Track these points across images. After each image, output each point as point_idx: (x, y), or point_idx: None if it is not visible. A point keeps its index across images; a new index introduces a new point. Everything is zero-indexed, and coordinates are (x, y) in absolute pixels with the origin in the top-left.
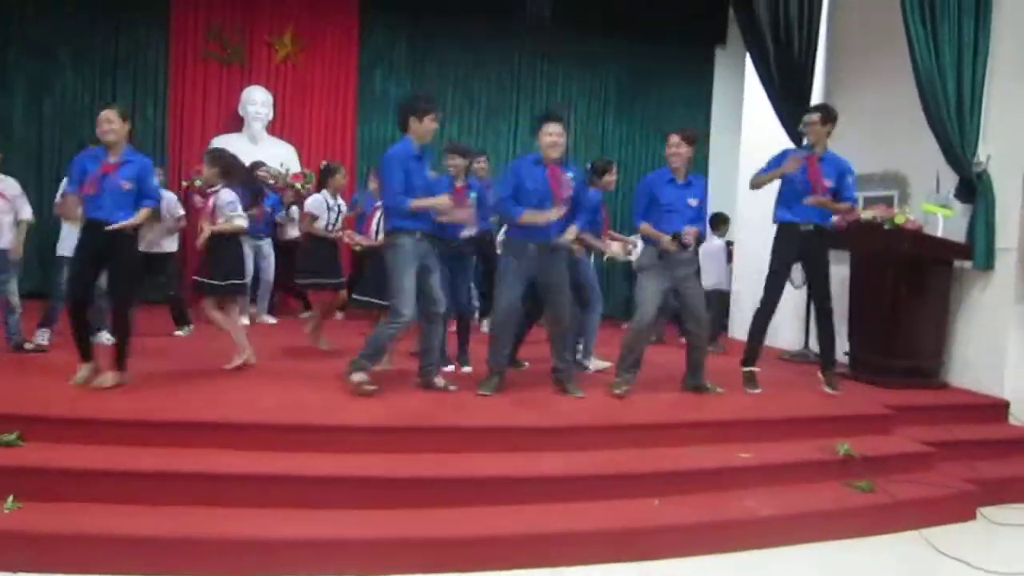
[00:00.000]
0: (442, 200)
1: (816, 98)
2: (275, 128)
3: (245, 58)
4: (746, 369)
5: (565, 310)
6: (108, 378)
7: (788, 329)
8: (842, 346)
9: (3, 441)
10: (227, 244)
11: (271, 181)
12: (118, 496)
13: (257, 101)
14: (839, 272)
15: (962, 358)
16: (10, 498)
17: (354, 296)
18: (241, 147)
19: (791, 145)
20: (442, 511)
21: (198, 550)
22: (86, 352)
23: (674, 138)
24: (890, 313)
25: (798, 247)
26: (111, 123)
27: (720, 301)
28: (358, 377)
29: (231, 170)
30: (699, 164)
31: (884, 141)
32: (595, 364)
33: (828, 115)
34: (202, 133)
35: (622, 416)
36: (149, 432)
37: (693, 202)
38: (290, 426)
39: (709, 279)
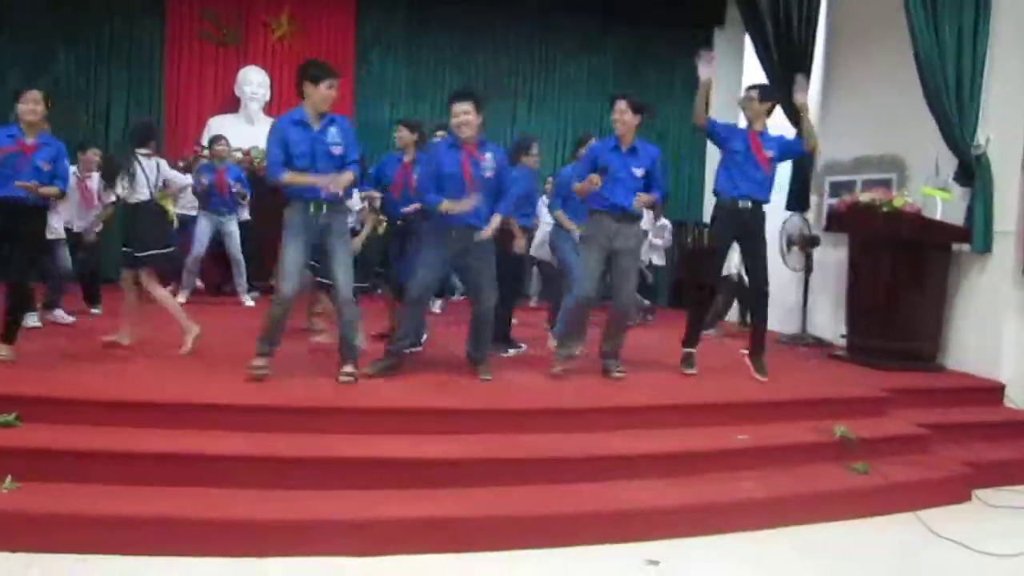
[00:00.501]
0: (320, 177)
1: (815, 80)
2: (272, 109)
3: (241, 39)
4: (687, 350)
5: (489, 296)
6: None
7: (784, 312)
8: (839, 329)
9: (1, 422)
10: (144, 214)
11: (235, 157)
12: (116, 477)
13: (253, 82)
14: (837, 255)
15: (959, 341)
16: (8, 478)
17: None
18: (238, 128)
19: (789, 126)
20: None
21: (194, 531)
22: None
23: (620, 104)
24: (888, 296)
25: (737, 225)
26: (38, 104)
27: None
28: (256, 361)
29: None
30: (697, 146)
31: (883, 124)
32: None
33: (766, 94)
34: (198, 115)
35: (616, 398)
36: (147, 413)
37: (638, 171)
38: (285, 408)
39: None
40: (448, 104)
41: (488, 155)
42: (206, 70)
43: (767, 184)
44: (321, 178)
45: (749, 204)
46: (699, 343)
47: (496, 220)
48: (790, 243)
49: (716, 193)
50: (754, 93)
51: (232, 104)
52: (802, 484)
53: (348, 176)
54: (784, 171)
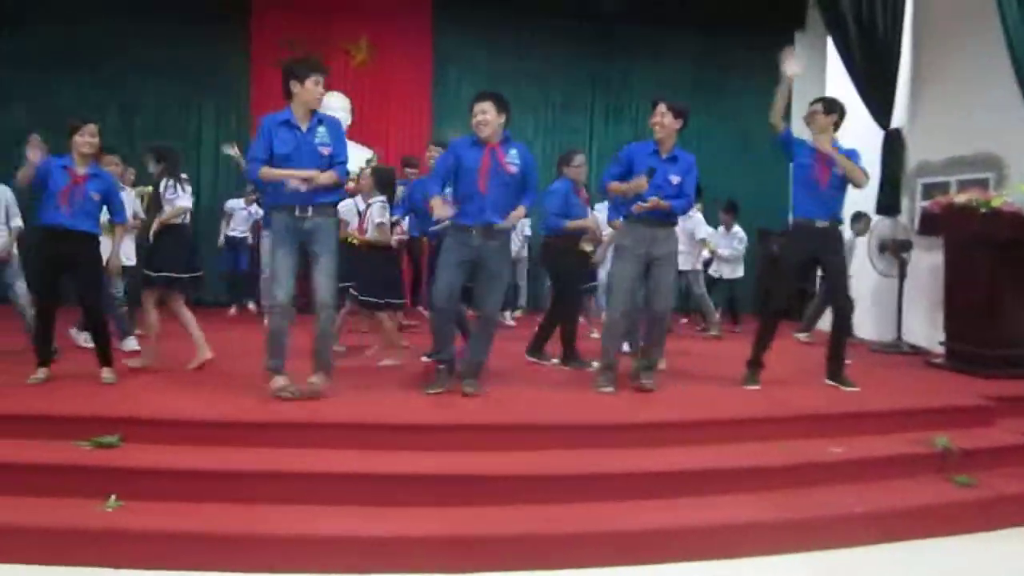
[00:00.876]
0: (302, 172)
1: (903, 81)
2: (354, 133)
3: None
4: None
5: (496, 301)
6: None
7: (877, 320)
8: (937, 336)
9: (105, 443)
10: (168, 235)
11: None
12: (215, 495)
13: (335, 107)
14: (932, 259)
15: None
16: (112, 497)
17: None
18: None
19: (878, 130)
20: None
21: (294, 548)
22: (48, 356)
23: (661, 107)
24: (988, 300)
25: (811, 247)
26: (94, 137)
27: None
28: (273, 384)
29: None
30: (780, 155)
31: (977, 122)
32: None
33: (832, 107)
34: None
35: (703, 412)
36: (243, 432)
37: (675, 179)
38: (373, 425)
39: None
40: (470, 105)
41: (512, 151)
42: None
43: (838, 201)
44: (296, 173)
45: (826, 224)
46: (762, 363)
47: (520, 212)
48: (882, 248)
49: (792, 215)
50: (818, 106)
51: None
52: (902, 498)
53: (328, 175)
54: (874, 174)
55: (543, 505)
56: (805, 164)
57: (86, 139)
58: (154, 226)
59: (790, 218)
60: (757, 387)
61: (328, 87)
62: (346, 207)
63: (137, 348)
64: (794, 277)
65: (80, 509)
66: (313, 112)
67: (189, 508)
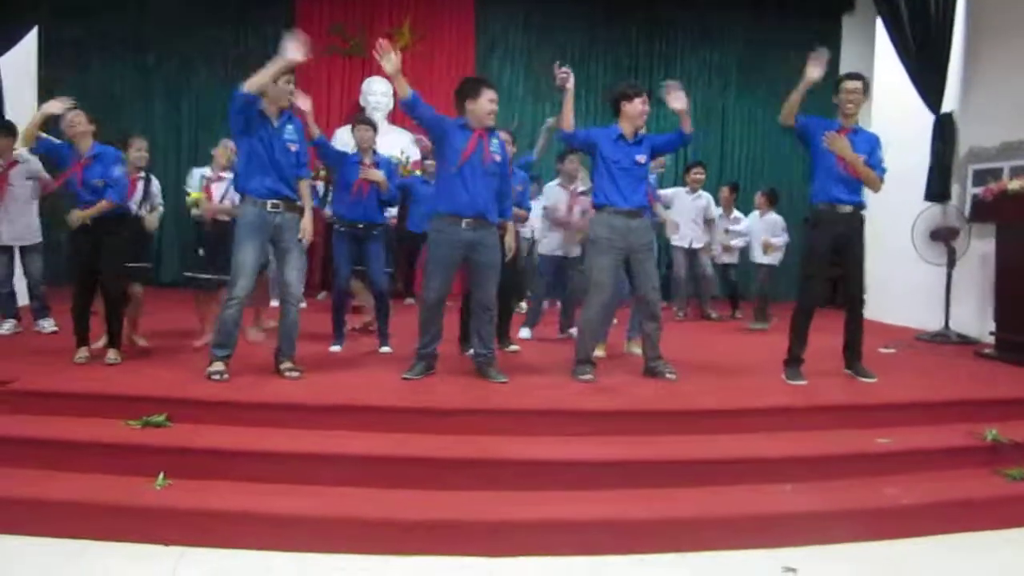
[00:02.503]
0: (285, 58)
1: (955, 64)
2: (396, 117)
3: (365, 50)
4: (791, 369)
5: (490, 291)
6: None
7: (924, 309)
8: (987, 326)
9: (153, 422)
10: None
11: None
12: (259, 475)
13: (377, 92)
14: (983, 246)
15: None
16: (160, 475)
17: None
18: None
19: (928, 114)
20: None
21: (330, 527)
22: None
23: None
24: None
25: (836, 232)
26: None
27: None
28: (211, 367)
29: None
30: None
31: None
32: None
33: (867, 85)
34: (327, 125)
35: (747, 400)
36: (283, 415)
37: (640, 159)
38: (419, 409)
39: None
40: (481, 89)
41: (495, 141)
42: (333, 82)
43: (860, 185)
44: (281, 58)
45: (849, 209)
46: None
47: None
48: (933, 236)
49: (812, 201)
50: (859, 84)
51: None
52: (951, 490)
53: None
54: (923, 159)
55: (584, 490)
56: (826, 152)
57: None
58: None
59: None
60: (804, 382)
61: (370, 72)
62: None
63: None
64: (826, 266)
65: (131, 487)
66: (283, 110)
67: (235, 487)
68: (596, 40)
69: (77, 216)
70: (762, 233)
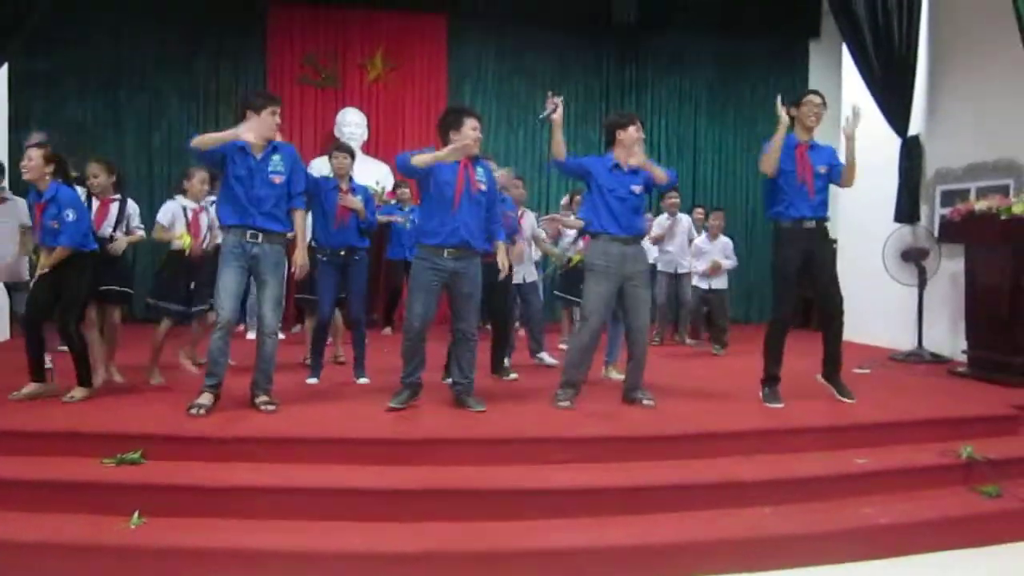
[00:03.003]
0: (233, 132)
1: (920, 87)
2: (370, 147)
3: (339, 81)
4: (768, 390)
5: (473, 319)
6: (78, 393)
7: (897, 328)
8: (959, 344)
9: (128, 459)
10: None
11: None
12: (237, 510)
13: (351, 122)
14: (953, 266)
15: None
16: (135, 514)
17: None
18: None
19: (895, 137)
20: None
21: (318, 563)
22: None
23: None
24: (1011, 307)
25: (803, 248)
26: (31, 160)
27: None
28: (199, 400)
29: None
30: None
31: (996, 128)
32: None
33: (825, 103)
34: (302, 155)
35: (725, 423)
36: (259, 449)
37: (637, 189)
38: (399, 440)
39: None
40: (463, 119)
41: (480, 169)
42: (307, 113)
43: (825, 201)
44: (235, 131)
45: (814, 223)
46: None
47: (520, 248)
48: (905, 257)
49: (775, 217)
50: (821, 99)
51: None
52: (928, 509)
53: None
54: (891, 182)
55: (564, 518)
56: (788, 169)
57: (24, 163)
58: (124, 244)
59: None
60: (781, 405)
61: (344, 102)
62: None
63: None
64: (795, 284)
65: (105, 526)
66: (269, 141)
67: (212, 523)
68: (567, 68)
69: (41, 264)
70: (714, 255)
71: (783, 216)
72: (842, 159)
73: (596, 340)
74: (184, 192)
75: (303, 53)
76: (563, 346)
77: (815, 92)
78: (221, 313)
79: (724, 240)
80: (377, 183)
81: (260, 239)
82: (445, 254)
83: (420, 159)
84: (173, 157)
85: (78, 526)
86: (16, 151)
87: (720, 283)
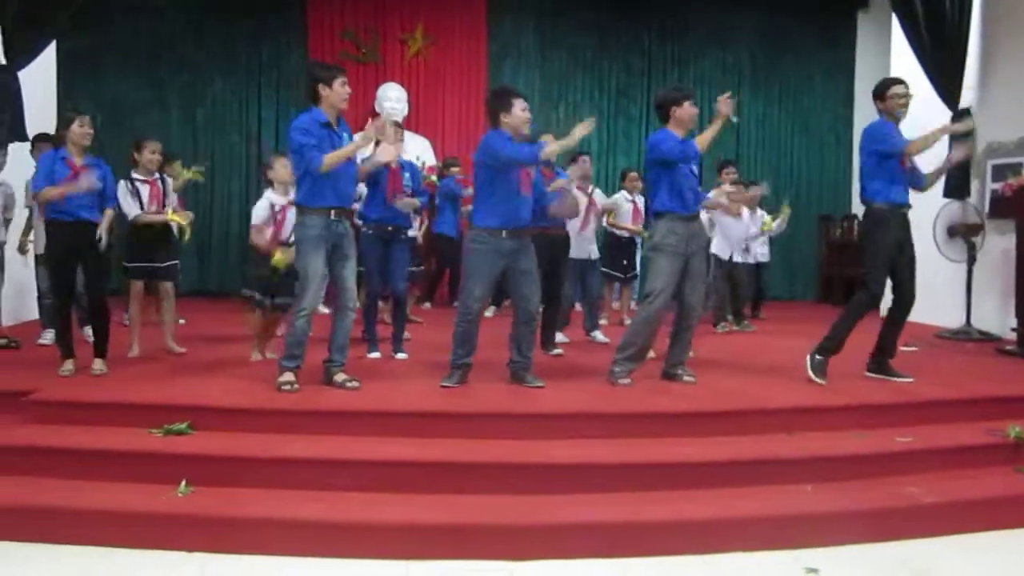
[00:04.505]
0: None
1: (972, 59)
2: (410, 123)
3: (379, 56)
4: (820, 358)
5: (535, 298)
6: (99, 366)
7: (947, 306)
8: (1008, 322)
9: (175, 430)
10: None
11: None
12: (281, 481)
13: (392, 97)
14: (1004, 242)
15: None
16: (183, 483)
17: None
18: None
19: (945, 112)
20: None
21: (350, 533)
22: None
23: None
24: None
25: (898, 233)
26: (91, 129)
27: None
28: (284, 378)
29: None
30: (843, 137)
31: None
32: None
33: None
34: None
35: (768, 400)
36: (301, 421)
37: (695, 168)
38: (436, 413)
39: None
40: (512, 100)
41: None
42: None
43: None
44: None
45: (907, 209)
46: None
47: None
48: (951, 232)
49: (873, 200)
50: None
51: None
52: (973, 489)
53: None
54: (941, 156)
55: (604, 493)
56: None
57: (85, 130)
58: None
59: (857, 202)
60: (824, 382)
61: (384, 77)
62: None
63: (49, 342)
64: (888, 264)
65: (153, 494)
66: (340, 113)
67: (257, 493)
68: (607, 43)
69: (102, 230)
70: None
71: (880, 197)
72: None
73: (663, 316)
74: (271, 184)
75: (343, 28)
76: (603, 322)
77: (900, 81)
78: (305, 301)
79: (760, 213)
80: (418, 158)
81: (342, 216)
82: (504, 235)
83: (553, 151)
84: (216, 133)
85: (128, 494)
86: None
87: (740, 257)
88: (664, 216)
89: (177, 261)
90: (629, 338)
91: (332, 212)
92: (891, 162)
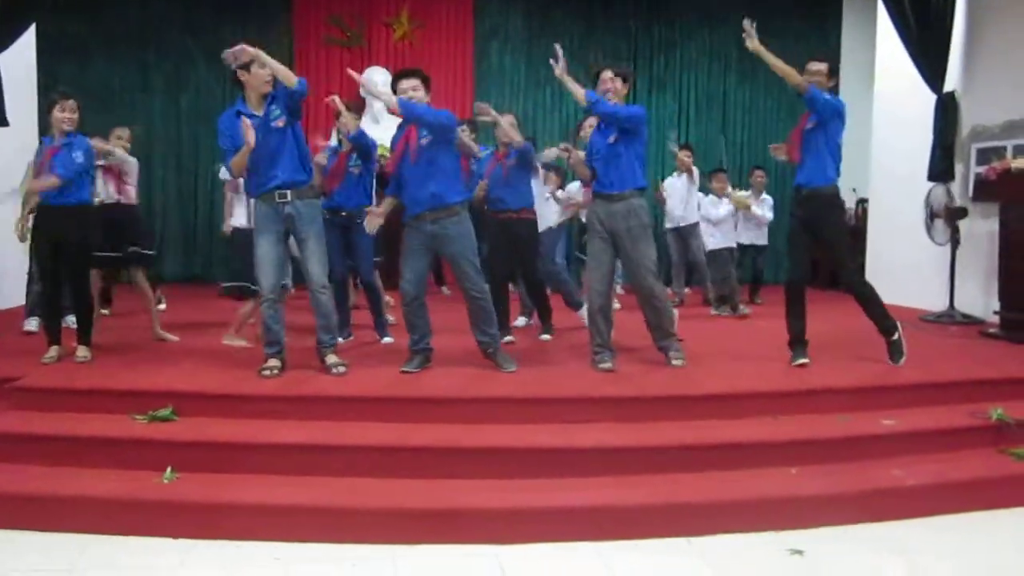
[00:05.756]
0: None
1: (957, 42)
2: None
3: (364, 40)
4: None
5: (475, 281)
6: (83, 353)
7: (929, 289)
8: (991, 305)
9: (160, 416)
10: None
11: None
12: (266, 467)
13: (378, 82)
14: (987, 226)
15: None
16: (168, 469)
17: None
18: (364, 127)
19: (930, 94)
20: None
21: (336, 518)
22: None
23: (607, 72)
24: None
25: None
26: (75, 113)
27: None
28: (266, 363)
29: None
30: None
31: None
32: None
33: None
34: (327, 117)
35: (753, 384)
36: (287, 406)
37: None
38: (425, 399)
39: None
40: (394, 82)
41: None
42: (333, 73)
43: None
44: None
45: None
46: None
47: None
48: (934, 216)
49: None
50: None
51: (359, 105)
52: (957, 471)
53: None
54: (925, 139)
55: (590, 476)
56: (840, 135)
57: (65, 115)
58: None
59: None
60: (806, 360)
61: (370, 62)
62: None
63: (34, 329)
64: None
65: (138, 481)
66: (264, 96)
67: (242, 479)
68: (595, 27)
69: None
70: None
71: (834, 181)
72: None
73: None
74: None
75: (328, 13)
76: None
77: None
78: (262, 285)
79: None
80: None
81: (289, 197)
82: (427, 215)
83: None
84: (201, 119)
85: (112, 481)
86: (46, 115)
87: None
88: (643, 194)
89: (135, 247)
90: (667, 317)
91: (276, 195)
92: (838, 143)
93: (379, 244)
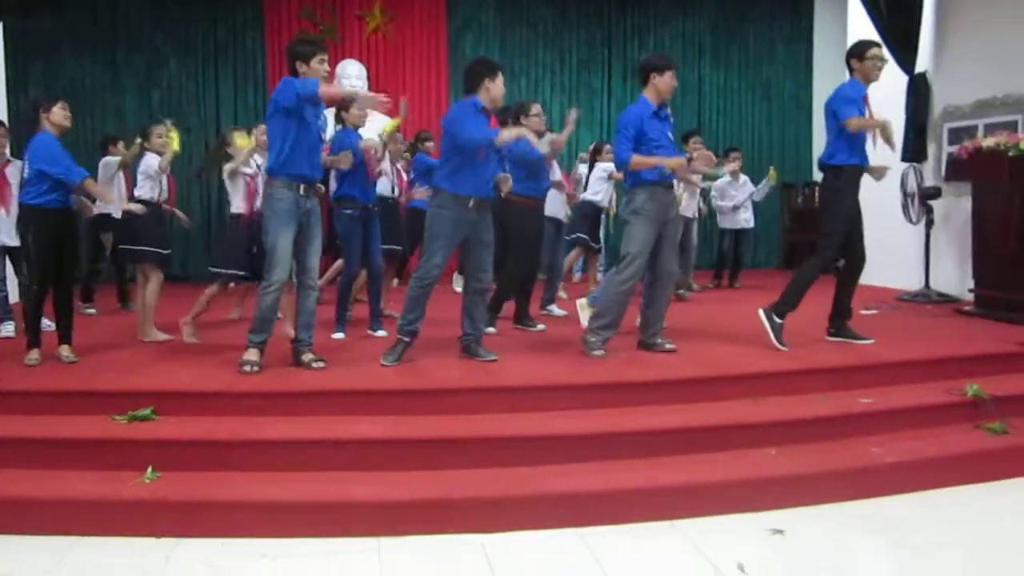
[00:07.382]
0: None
1: (927, 23)
2: None
3: (337, 34)
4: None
5: (489, 271)
6: (67, 353)
7: (906, 268)
8: (966, 283)
9: (140, 416)
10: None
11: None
12: (248, 463)
13: (351, 75)
14: (961, 205)
15: None
16: (149, 469)
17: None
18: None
19: (902, 75)
20: (562, 467)
21: (319, 512)
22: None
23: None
24: (1019, 245)
25: (856, 194)
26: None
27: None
28: (247, 356)
29: None
30: (803, 105)
31: (1004, 64)
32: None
33: None
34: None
35: (733, 367)
36: (268, 403)
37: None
38: (408, 391)
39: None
40: (498, 72)
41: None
42: None
43: None
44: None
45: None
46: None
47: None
48: (909, 195)
49: (838, 163)
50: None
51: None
52: (934, 447)
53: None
54: (898, 120)
55: (572, 463)
56: (861, 111)
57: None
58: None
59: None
60: (785, 348)
61: (343, 55)
62: None
63: (11, 334)
64: (848, 226)
65: (119, 481)
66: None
67: (225, 476)
68: (568, 15)
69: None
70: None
71: (845, 159)
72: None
73: (635, 283)
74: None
75: (300, 6)
76: (562, 295)
77: (879, 44)
78: (274, 276)
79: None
80: (380, 136)
81: (310, 192)
82: (471, 204)
83: (504, 139)
84: (173, 115)
85: (93, 483)
86: (15, 115)
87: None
88: (644, 185)
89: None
90: (605, 306)
91: (301, 187)
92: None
93: (400, 235)
